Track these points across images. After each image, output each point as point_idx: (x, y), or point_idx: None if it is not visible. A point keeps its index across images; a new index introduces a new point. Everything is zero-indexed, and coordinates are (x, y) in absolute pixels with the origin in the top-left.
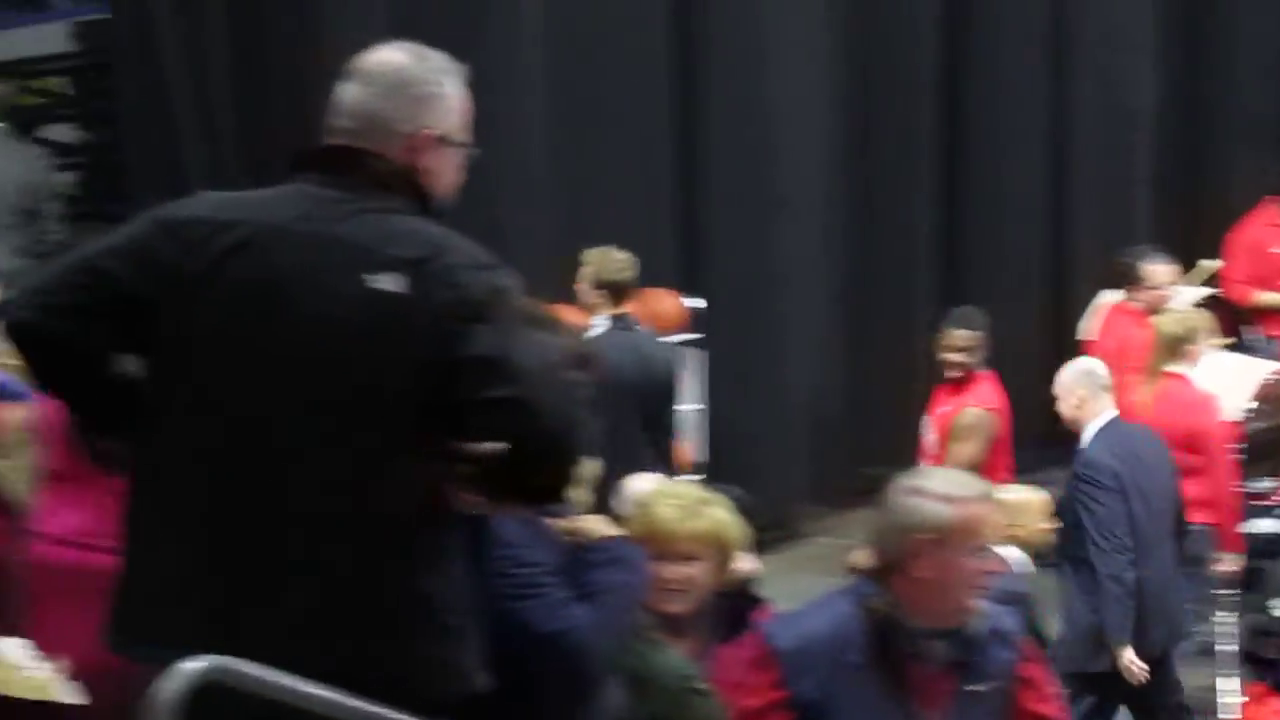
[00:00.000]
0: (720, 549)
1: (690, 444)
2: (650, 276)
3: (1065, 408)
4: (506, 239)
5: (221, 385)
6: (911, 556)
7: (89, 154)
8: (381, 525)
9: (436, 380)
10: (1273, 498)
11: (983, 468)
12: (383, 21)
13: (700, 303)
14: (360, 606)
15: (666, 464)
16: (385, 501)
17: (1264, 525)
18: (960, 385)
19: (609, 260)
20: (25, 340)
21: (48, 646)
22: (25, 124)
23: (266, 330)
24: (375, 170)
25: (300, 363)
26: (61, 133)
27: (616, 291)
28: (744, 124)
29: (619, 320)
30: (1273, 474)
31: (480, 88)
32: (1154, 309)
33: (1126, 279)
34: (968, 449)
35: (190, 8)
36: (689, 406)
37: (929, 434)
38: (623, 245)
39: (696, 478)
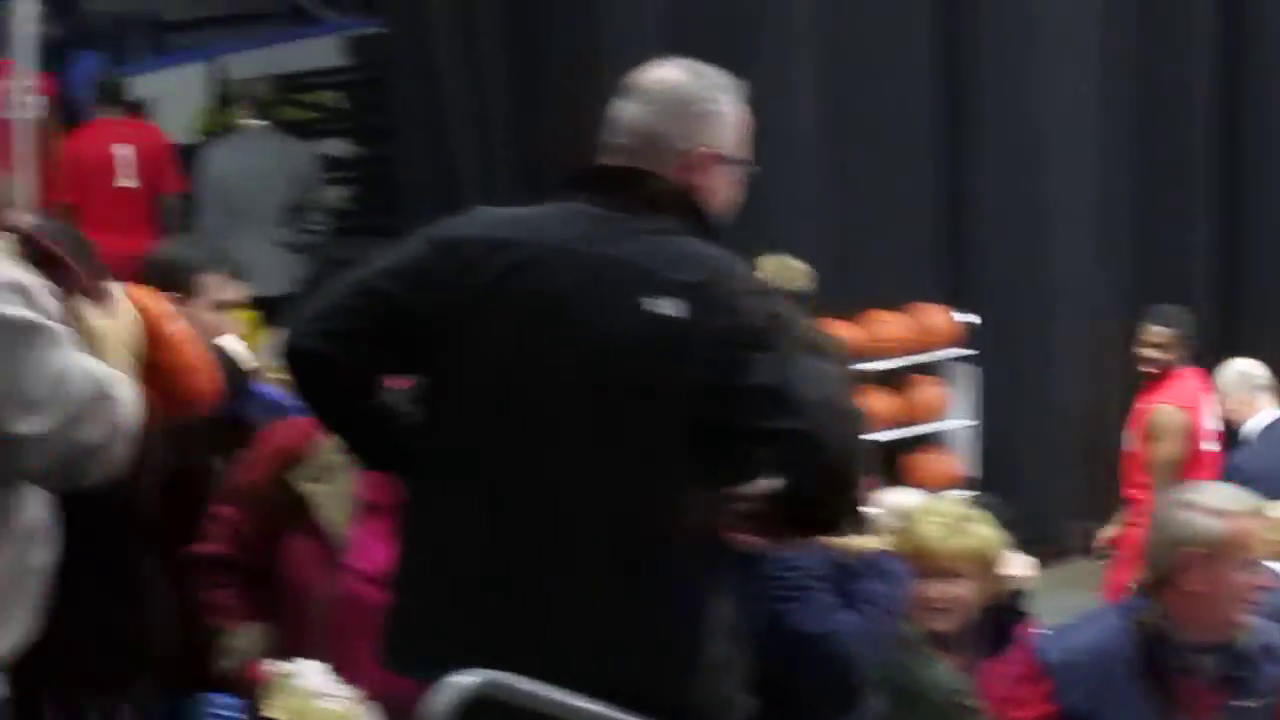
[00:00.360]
0: (985, 566)
1: (960, 459)
2: (917, 289)
3: (1225, 410)
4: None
5: (498, 405)
6: (1182, 570)
7: (361, 168)
8: (654, 549)
9: (714, 407)
10: None
11: (1184, 467)
12: (657, 36)
13: (973, 318)
14: (630, 630)
15: None
16: (658, 526)
17: None
18: (1158, 382)
19: (786, 269)
20: (304, 366)
21: (347, 680)
22: (297, 138)
23: (545, 351)
24: (652, 190)
25: (577, 384)
26: (333, 147)
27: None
28: (1013, 132)
29: None
30: None
31: (752, 102)
32: None
33: None
34: (1165, 448)
35: (466, 22)
36: (959, 422)
37: (1128, 433)
38: (891, 258)
39: (967, 493)
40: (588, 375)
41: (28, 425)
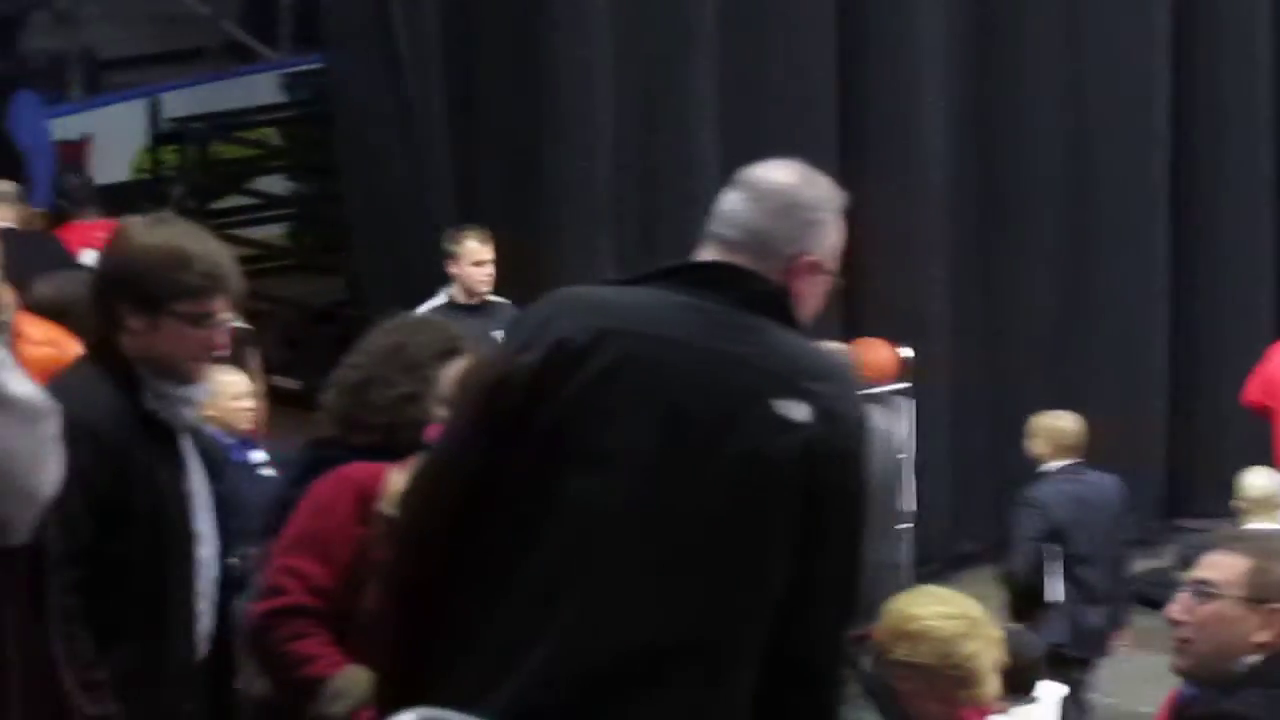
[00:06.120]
0: None
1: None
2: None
3: None
4: None
5: (602, 496)
6: None
7: (299, 205)
8: (725, 674)
9: (804, 518)
10: None
11: None
12: (598, 76)
13: (908, 352)
14: None
15: None
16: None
17: None
18: None
19: None
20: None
21: None
22: (235, 176)
23: (664, 455)
24: (756, 290)
25: (692, 484)
26: (272, 184)
27: None
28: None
29: None
30: None
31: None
32: None
33: None
34: None
35: (405, 58)
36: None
37: None
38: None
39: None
40: (703, 476)
41: None
